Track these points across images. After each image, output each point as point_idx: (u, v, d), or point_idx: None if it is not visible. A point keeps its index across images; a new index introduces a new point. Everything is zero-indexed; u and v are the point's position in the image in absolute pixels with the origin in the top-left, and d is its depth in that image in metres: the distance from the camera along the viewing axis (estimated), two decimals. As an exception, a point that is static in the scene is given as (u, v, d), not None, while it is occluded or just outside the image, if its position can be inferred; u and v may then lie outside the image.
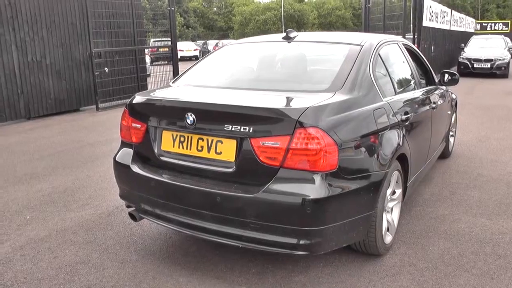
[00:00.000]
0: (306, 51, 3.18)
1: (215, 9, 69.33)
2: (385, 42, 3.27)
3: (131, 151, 2.87)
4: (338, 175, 2.30)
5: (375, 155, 2.59)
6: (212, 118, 2.44)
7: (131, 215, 2.91)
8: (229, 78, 3.12)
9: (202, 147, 2.49)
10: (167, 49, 20.39)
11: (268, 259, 2.90)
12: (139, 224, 3.52)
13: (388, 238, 2.97)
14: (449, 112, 4.78)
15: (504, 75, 14.40)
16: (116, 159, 2.95)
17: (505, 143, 5.98)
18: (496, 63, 14.07)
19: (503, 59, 14.23)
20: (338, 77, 2.66)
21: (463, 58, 15.22)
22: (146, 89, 10.60)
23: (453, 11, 18.12)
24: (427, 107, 3.66)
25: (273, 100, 2.51)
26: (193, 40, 36.94)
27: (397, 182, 3.00)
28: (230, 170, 2.39)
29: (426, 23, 13.06)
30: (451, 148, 5.34)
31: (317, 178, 2.25)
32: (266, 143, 2.27)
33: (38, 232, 3.41)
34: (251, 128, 2.29)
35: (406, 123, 3.05)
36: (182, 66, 11.03)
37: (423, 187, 4.28)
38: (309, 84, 2.81)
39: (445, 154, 5.08)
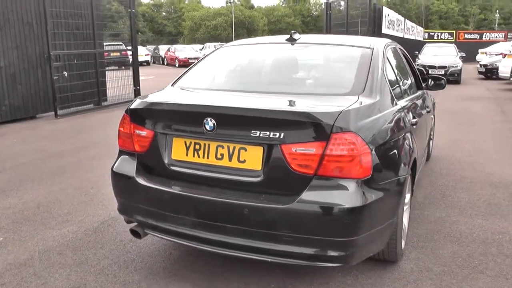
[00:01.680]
0: (316, 53, 3.07)
1: (164, 13, 68.19)
2: (389, 45, 3.24)
3: (133, 161, 2.61)
4: (371, 182, 2.19)
5: (399, 160, 2.52)
6: (237, 123, 2.26)
7: (134, 232, 2.65)
8: (240, 81, 2.93)
9: (222, 155, 2.29)
10: (118, 54, 19.66)
11: (285, 272, 2.74)
12: (132, 240, 3.24)
13: (402, 243, 2.91)
14: (432, 116, 4.86)
15: (457, 82, 15.10)
16: (115, 170, 2.68)
17: (477, 146, 6.19)
18: (450, 70, 14.73)
19: (456, 66, 14.93)
20: (357, 80, 2.57)
21: (417, 65, 15.83)
22: (106, 95, 10.10)
23: (406, 19, 18.86)
24: (425, 111, 3.67)
25: (302, 104, 2.36)
26: (142, 45, 35.94)
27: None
28: (257, 179, 2.21)
29: (384, 30, 13.45)
30: (430, 151, 5.43)
31: (354, 186, 2.13)
32: (299, 149, 2.12)
33: (17, 256, 3.04)
34: (282, 134, 2.13)
35: (414, 127, 3.02)
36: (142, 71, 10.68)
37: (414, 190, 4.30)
38: (328, 87, 2.69)
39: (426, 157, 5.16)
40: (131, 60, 18.22)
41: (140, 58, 29.54)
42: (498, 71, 13.54)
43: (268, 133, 2.14)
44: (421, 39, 25.73)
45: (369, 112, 2.32)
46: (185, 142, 2.39)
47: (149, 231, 2.57)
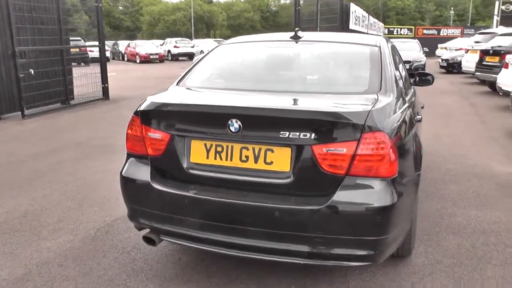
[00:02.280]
0: (325, 51, 3.03)
1: (121, 8, 66.33)
2: (388, 42, 3.26)
3: (145, 165, 2.49)
4: (397, 180, 2.20)
5: (415, 157, 2.55)
6: (264, 124, 2.20)
7: (147, 239, 2.53)
8: (254, 80, 2.85)
9: (247, 157, 2.22)
10: (77, 50, 18.92)
11: (304, 272, 2.71)
12: (135, 247, 3.12)
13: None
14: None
15: (422, 76, 15.53)
16: (126, 175, 2.55)
17: (456, 139, 6.39)
18: (414, 65, 15.13)
19: (420, 61, 15.36)
20: (372, 79, 2.56)
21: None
22: (73, 93, 9.69)
23: (369, 15, 19.25)
24: (420, 107, 3.74)
25: (330, 104, 2.32)
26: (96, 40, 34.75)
27: None
28: (286, 181, 2.16)
29: (352, 26, 13.68)
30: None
31: (384, 185, 2.13)
32: (330, 150, 2.09)
33: (13, 271, 2.84)
34: (313, 134, 2.09)
35: (418, 124, 3.06)
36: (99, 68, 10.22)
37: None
38: (344, 86, 2.66)
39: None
40: (90, 56, 17.67)
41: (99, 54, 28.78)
42: (461, 66, 14.05)
43: (298, 133, 2.10)
44: (382, 34, 26.41)
45: (390, 111, 2.33)
46: (205, 145, 2.30)
47: (166, 237, 2.46)
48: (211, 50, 3.25)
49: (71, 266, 2.88)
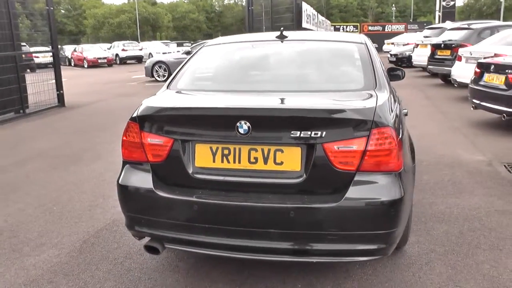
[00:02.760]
0: (314, 50, 3.04)
1: (63, 11, 63.68)
2: (369, 40, 3.33)
3: (145, 172, 2.39)
4: (402, 173, 2.25)
5: (411, 149, 2.63)
6: (274, 124, 2.18)
7: (150, 248, 2.44)
8: (250, 81, 2.81)
9: (256, 158, 2.19)
10: (23, 56, 18.01)
11: (307, 271, 2.72)
12: (127, 257, 3.01)
13: (407, 229, 3.03)
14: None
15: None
16: (124, 184, 2.44)
17: (421, 130, 6.59)
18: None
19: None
20: (366, 75, 2.61)
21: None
22: (27, 102, 9.19)
23: (318, 14, 19.66)
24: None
25: (336, 101, 2.33)
26: (43, 45, 33.21)
27: None
28: (298, 180, 2.16)
29: (304, 24, 13.90)
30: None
31: (393, 178, 2.18)
32: (342, 147, 2.10)
33: (-2, 292, 2.67)
34: (324, 133, 2.10)
35: (405, 117, 3.16)
36: (49, 74, 9.76)
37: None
38: (340, 83, 2.68)
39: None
40: (35, 62, 16.79)
41: (44, 60, 27.44)
42: (411, 60, 14.63)
43: (309, 132, 2.10)
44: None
45: (389, 106, 2.38)
46: (211, 148, 2.25)
47: (171, 245, 2.38)
48: (197, 52, 3.18)
49: (63, 282, 2.73)
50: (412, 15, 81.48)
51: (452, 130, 6.55)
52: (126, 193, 2.45)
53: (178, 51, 27.21)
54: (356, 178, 2.14)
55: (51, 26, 9.25)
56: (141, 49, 29.67)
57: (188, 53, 14.91)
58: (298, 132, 2.11)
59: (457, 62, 9.00)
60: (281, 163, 2.18)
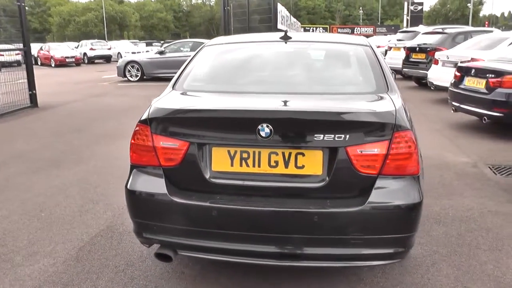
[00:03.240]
0: (322, 52, 3.02)
1: (27, 8, 61.51)
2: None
3: (156, 177, 2.30)
4: (419, 176, 2.26)
5: (420, 153, 2.64)
6: (297, 128, 2.13)
7: (161, 255, 2.35)
8: (261, 82, 2.74)
9: (276, 162, 2.14)
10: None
11: (318, 274, 2.70)
12: (129, 264, 2.90)
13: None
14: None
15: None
16: (134, 189, 2.34)
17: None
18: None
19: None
20: (377, 78, 2.60)
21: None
22: (-2, 102, 8.77)
23: (291, 15, 19.77)
24: None
25: (356, 104, 2.31)
26: (6, 43, 31.89)
27: None
28: (320, 184, 2.12)
29: (279, 26, 13.91)
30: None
31: (413, 182, 2.19)
32: (364, 150, 2.09)
33: (-7, 304, 2.51)
34: (347, 136, 2.07)
35: None
36: (18, 73, 9.39)
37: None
38: (353, 86, 2.66)
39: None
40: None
41: (9, 58, 26.38)
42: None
43: (332, 136, 2.07)
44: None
45: (404, 109, 2.38)
46: (229, 152, 2.18)
47: (184, 251, 2.30)
48: (198, 52, 3.08)
49: (63, 293, 2.60)
50: (380, 19, 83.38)
51: (434, 132, 6.70)
52: (135, 199, 2.35)
53: (147, 51, 26.81)
54: (378, 181, 2.13)
55: (23, 23, 8.91)
56: (109, 49, 29.01)
57: (161, 53, 14.68)
58: (322, 136, 2.07)
59: (433, 66, 9.23)
60: (302, 166, 2.14)
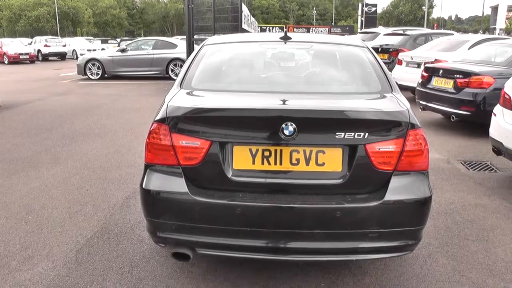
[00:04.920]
0: (324, 52, 3.08)
1: (-28, 1, 58.11)
2: None
3: (174, 176, 2.28)
4: (428, 172, 2.39)
5: None
6: (320, 126, 2.19)
7: (179, 255, 2.34)
8: (271, 82, 2.77)
9: (297, 160, 2.20)
10: None
11: (327, 269, 2.78)
12: (133, 265, 2.87)
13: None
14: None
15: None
16: (150, 189, 2.31)
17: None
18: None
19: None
20: (380, 78, 2.70)
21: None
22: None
23: (250, 14, 19.81)
24: None
25: (371, 104, 2.40)
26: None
27: None
28: (341, 181, 2.20)
29: (243, 25, 13.91)
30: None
31: (423, 177, 2.32)
32: (382, 148, 2.19)
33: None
34: (367, 134, 2.16)
35: None
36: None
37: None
38: (360, 85, 2.74)
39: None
40: None
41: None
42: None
43: (353, 134, 2.15)
44: (258, 32, 27.54)
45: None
46: (251, 150, 2.21)
47: (204, 250, 2.30)
48: (200, 51, 3.06)
49: (70, 297, 2.54)
50: (334, 19, 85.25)
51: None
52: (152, 198, 2.32)
53: (103, 48, 26.05)
54: (393, 177, 2.24)
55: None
56: (64, 45, 27.95)
57: (123, 50, 14.34)
58: (343, 134, 2.15)
59: (397, 66, 9.59)
60: (323, 164, 2.21)
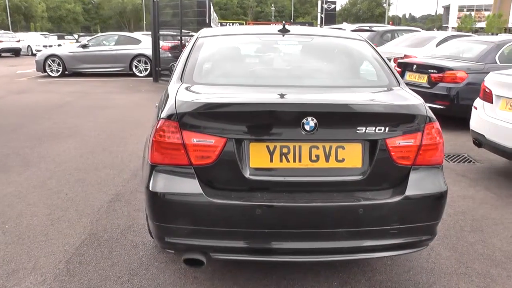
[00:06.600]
0: (326, 45, 3.00)
1: None
2: None
3: (186, 176, 2.13)
4: (442, 166, 2.38)
5: None
6: (341, 121, 2.12)
7: (191, 261, 2.20)
8: (278, 76, 2.68)
9: (317, 156, 2.11)
10: None
11: (336, 269, 2.72)
12: (132, 273, 2.70)
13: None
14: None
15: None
16: (158, 191, 2.14)
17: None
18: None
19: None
20: (385, 72, 2.67)
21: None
22: None
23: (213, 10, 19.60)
24: None
25: (390, 98, 2.34)
26: None
27: None
28: (360, 177, 2.13)
29: (208, 20, 13.70)
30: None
31: (439, 171, 2.31)
32: (402, 142, 2.14)
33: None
34: (387, 128, 2.11)
35: None
36: None
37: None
38: (369, 79, 2.69)
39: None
40: None
41: None
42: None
43: (373, 128, 2.09)
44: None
45: None
46: (268, 147, 2.10)
47: (220, 255, 2.17)
48: (195, 44, 2.90)
49: (69, 312, 2.34)
50: (292, 16, 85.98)
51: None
52: (161, 201, 2.15)
53: (59, 45, 24.98)
54: (412, 172, 2.21)
55: None
56: (18, 41, 26.54)
57: (84, 46, 13.77)
58: (364, 128, 2.09)
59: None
60: (343, 160, 2.13)
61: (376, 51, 2.90)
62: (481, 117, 4.51)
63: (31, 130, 6.51)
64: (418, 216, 2.22)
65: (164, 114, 2.16)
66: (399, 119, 2.18)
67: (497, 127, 4.23)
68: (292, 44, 2.97)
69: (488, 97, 4.46)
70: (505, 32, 36.74)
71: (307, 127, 2.05)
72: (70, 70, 13.63)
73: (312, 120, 2.04)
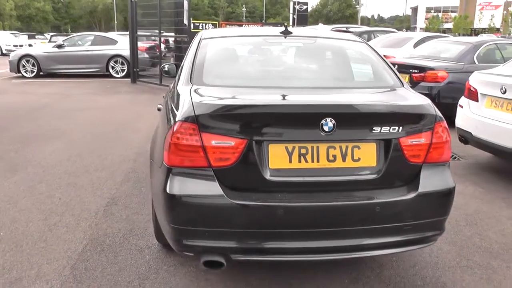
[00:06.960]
0: (328, 47, 3.05)
1: None
2: None
3: (205, 179, 2.13)
4: (449, 163, 2.46)
5: None
6: (358, 121, 2.17)
7: (211, 263, 2.19)
8: (287, 77, 2.70)
9: (334, 156, 2.15)
10: None
11: (346, 267, 2.77)
12: (142, 277, 2.67)
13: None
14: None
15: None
16: (176, 193, 2.12)
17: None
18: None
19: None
20: (389, 73, 2.74)
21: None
22: None
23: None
24: None
25: (400, 98, 2.41)
26: None
27: None
28: (375, 176, 2.19)
29: (185, 21, 13.60)
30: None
31: (447, 168, 2.39)
32: (414, 141, 2.21)
33: None
34: (400, 128, 2.18)
35: None
36: None
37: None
38: (374, 80, 2.74)
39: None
40: None
41: None
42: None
43: (388, 128, 2.15)
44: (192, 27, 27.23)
45: None
46: (287, 148, 2.12)
47: (241, 256, 2.18)
48: (199, 45, 2.88)
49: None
50: (264, 17, 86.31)
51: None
52: (179, 204, 2.14)
53: (30, 44, 24.28)
54: (423, 169, 2.28)
55: None
56: (-13, 41, 25.68)
57: (59, 46, 13.43)
58: (379, 128, 2.14)
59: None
60: (358, 159, 2.18)
61: (377, 52, 2.96)
62: (467, 115, 4.66)
63: (13, 133, 6.31)
64: (430, 212, 2.30)
65: (181, 116, 2.14)
66: (412, 119, 2.25)
67: (484, 124, 4.38)
68: (297, 46, 3.00)
69: (473, 96, 4.62)
70: (471, 33, 38.01)
71: (325, 128, 2.08)
72: (45, 70, 13.27)
73: (331, 121, 2.08)
